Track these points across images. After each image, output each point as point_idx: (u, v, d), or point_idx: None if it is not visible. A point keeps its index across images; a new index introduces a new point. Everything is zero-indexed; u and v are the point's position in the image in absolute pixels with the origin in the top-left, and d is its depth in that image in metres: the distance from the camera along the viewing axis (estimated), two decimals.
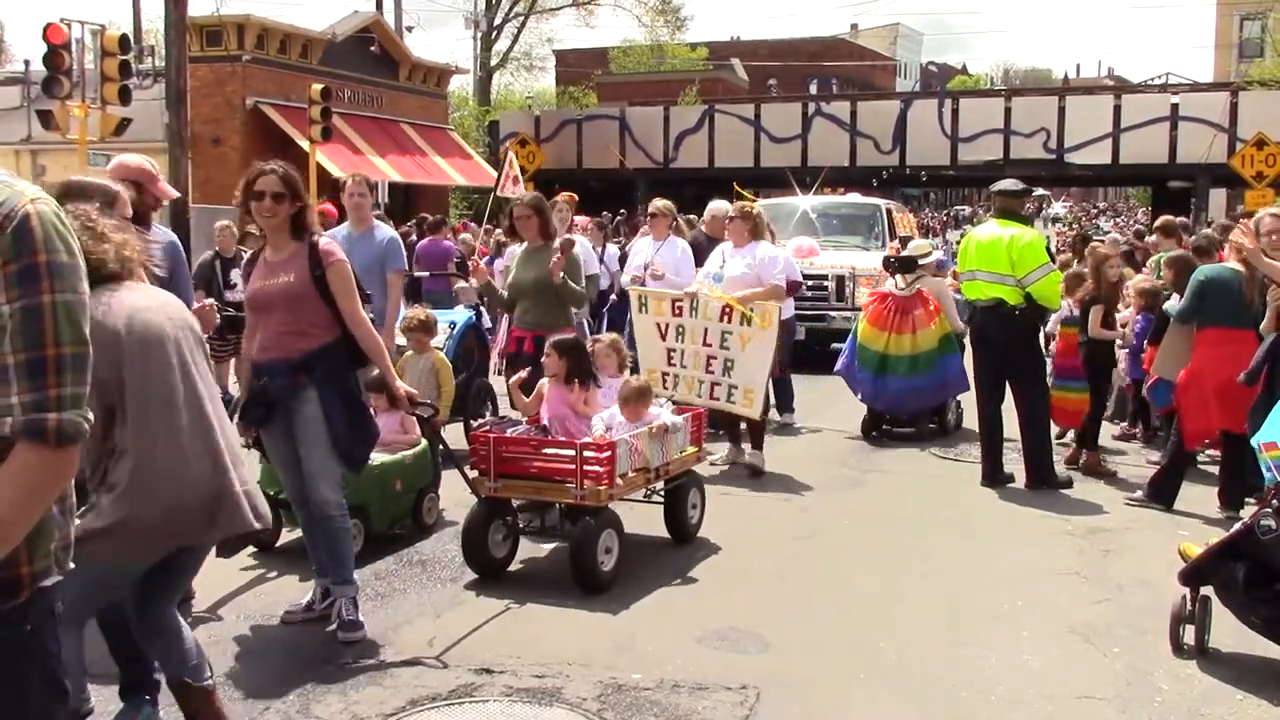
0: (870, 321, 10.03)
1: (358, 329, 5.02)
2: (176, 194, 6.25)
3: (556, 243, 7.51)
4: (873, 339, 9.93)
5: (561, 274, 7.35)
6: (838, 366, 10.39)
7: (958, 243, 15.12)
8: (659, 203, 10.01)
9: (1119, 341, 8.99)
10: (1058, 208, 63.26)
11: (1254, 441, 5.06)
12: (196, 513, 3.61)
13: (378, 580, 5.96)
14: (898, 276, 10.15)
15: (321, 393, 4.98)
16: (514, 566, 6.19)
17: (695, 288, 8.73)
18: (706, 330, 8.46)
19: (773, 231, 9.60)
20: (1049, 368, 8.88)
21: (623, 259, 12.19)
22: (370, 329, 5.11)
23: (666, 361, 8.69)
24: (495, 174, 27.21)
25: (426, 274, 12.63)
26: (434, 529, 6.91)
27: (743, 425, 8.86)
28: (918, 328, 9.80)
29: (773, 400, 9.62)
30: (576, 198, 12.31)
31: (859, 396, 10.18)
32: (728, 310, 8.32)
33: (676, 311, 8.66)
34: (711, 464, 8.56)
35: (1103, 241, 13.67)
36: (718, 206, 10.62)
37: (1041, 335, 8.89)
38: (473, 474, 6.03)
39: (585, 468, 5.78)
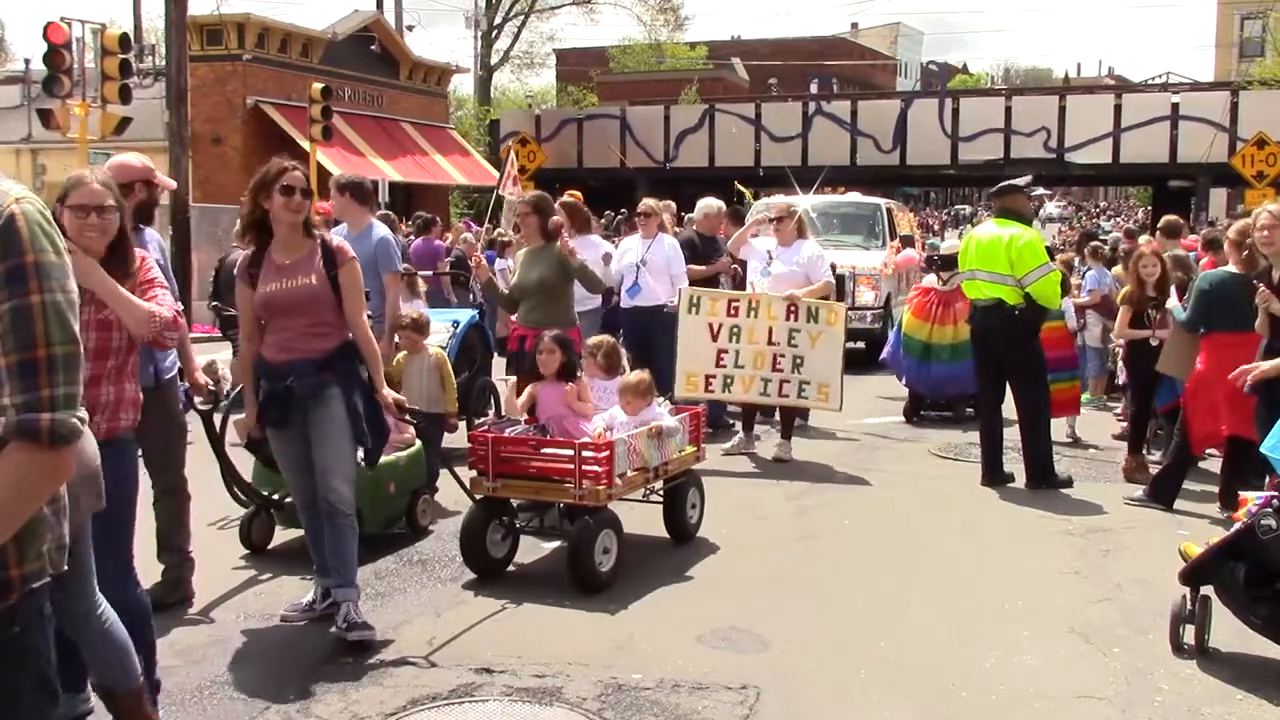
0: (914, 313, 10.99)
1: (356, 331, 5.04)
2: (174, 183, 6.24)
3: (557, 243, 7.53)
4: (916, 329, 10.85)
5: (579, 258, 7.59)
6: (884, 354, 11.52)
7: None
8: (649, 202, 10.15)
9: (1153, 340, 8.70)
10: (1051, 208, 63.04)
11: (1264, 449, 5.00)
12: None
13: (378, 580, 5.95)
14: (940, 273, 11.03)
15: (344, 390, 4.99)
16: (513, 566, 6.18)
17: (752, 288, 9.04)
18: (771, 329, 8.62)
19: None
20: None
21: None
22: (368, 333, 5.11)
23: (715, 363, 8.79)
24: (496, 173, 27.34)
25: (430, 273, 12.61)
26: (434, 528, 6.89)
27: (774, 417, 9.04)
28: (958, 319, 10.46)
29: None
30: (580, 196, 12.11)
31: (903, 381, 11.12)
32: (794, 309, 8.50)
33: (732, 312, 8.74)
34: (725, 454, 8.65)
35: (1104, 242, 13.62)
36: (708, 204, 10.76)
37: None
38: (470, 474, 6.02)
39: (584, 467, 5.76)
